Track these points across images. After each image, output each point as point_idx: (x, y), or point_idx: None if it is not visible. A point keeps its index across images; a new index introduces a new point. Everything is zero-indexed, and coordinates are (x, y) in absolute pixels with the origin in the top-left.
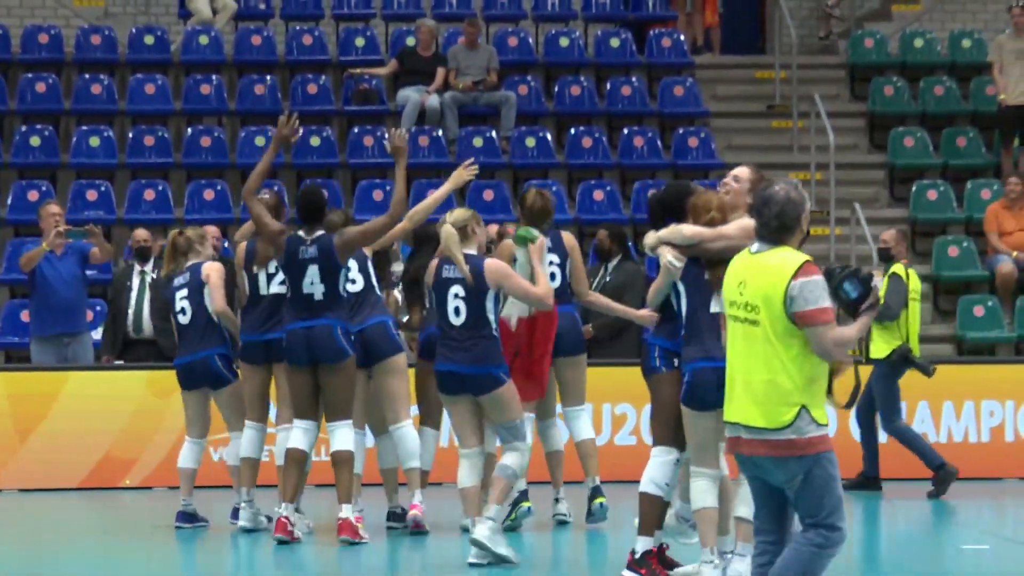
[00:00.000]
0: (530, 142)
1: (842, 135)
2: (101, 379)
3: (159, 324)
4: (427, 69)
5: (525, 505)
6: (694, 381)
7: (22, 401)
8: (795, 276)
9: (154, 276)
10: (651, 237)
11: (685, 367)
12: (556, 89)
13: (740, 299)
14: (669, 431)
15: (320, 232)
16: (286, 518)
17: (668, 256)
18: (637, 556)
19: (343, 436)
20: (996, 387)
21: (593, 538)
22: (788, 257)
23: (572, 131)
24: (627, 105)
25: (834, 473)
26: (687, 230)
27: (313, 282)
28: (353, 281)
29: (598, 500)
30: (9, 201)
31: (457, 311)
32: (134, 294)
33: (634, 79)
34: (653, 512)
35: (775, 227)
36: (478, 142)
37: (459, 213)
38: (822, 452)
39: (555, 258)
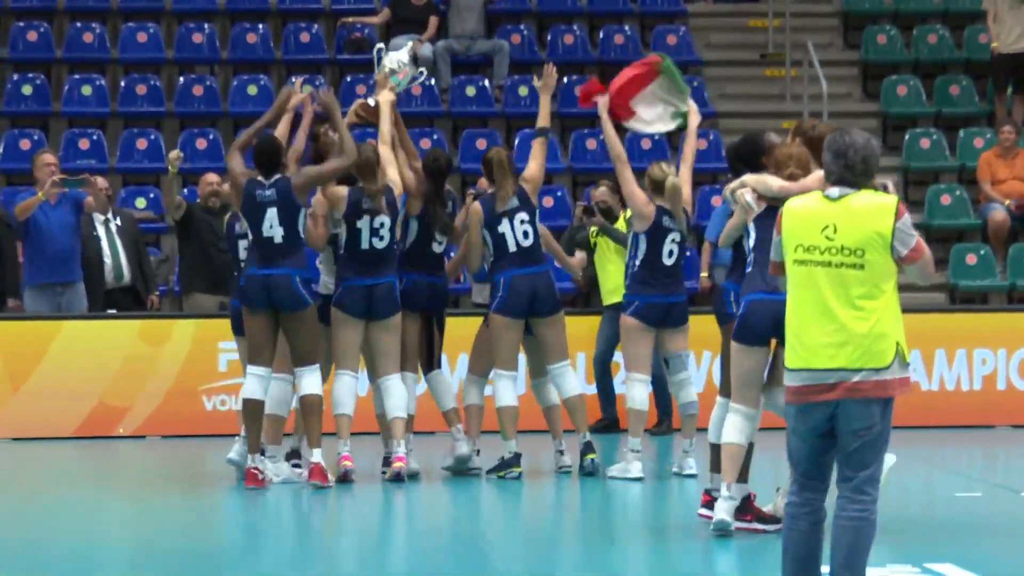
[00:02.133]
0: (523, 91)
1: (835, 84)
2: (93, 328)
3: (136, 269)
4: (420, 17)
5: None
6: (749, 312)
7: (14, 350)
8: (897, 217)
9: (118, 224)
10: (734, 183)
11: (743, 299)
12: (549, 38)
13: (829, 244)
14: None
15: (278, 175)
16: (256, 468)
17: (747, 197)
18: (737, 503)
19: (311, 381)
20: (988, 336)
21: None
22: (883, 199)
23: (565, 80)
24: (620, 53)
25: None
26: (774, 184)
27: (272, 225)
28: (381, 238)
29: (590, 456)
30: (1, 150)
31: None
32: (105, 244)
33: (627, 27)
34: (739, 458)
35: (861, 171)
36: (471, 91)
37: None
38: (897, 395)
39: (525, 215)
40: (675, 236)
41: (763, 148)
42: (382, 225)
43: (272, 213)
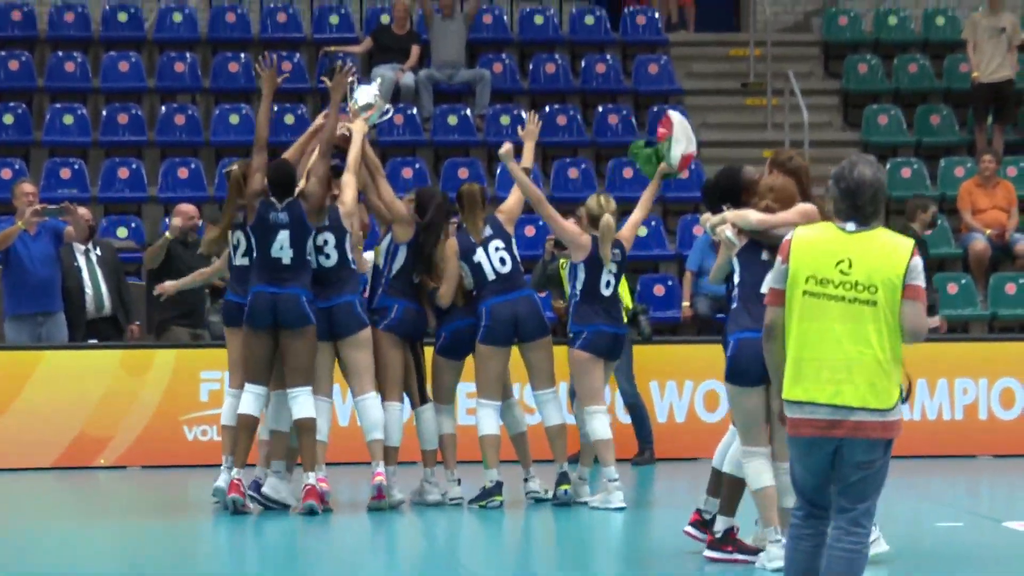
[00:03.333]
0: (505, 120)
1: (816, 113)
2: (74, 358)
3: (117, 299)
4: (402, 47)
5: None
6: (739, 353)
7: None
8: (911, 256)
9: (98, 253)
10: (714, 218)
11: (730, 337)
12: (531, 67)
13: (844, 278)
14: None
15: (290, 199)
16: (238, 480)
17: (727, 233)
18: (719, 535)
19: (305, 403)
20: (969, 365)
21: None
22: (899, 238)
23: (547, 109)
24: (602, 83)
25: None
26: (753, 217)
27: (283, 247)
28: (327, 256)
29: (563, 487)
30: None
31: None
32: (85, 274)
33: (609, 57)
34: (736, 492)
35: (871, 212)
36: (453, 120)
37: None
38: (897, 436)
39: (500, 243)
40: (612, 267)
41: (740, 183)
42: (325, 243)
43: (284, 236)
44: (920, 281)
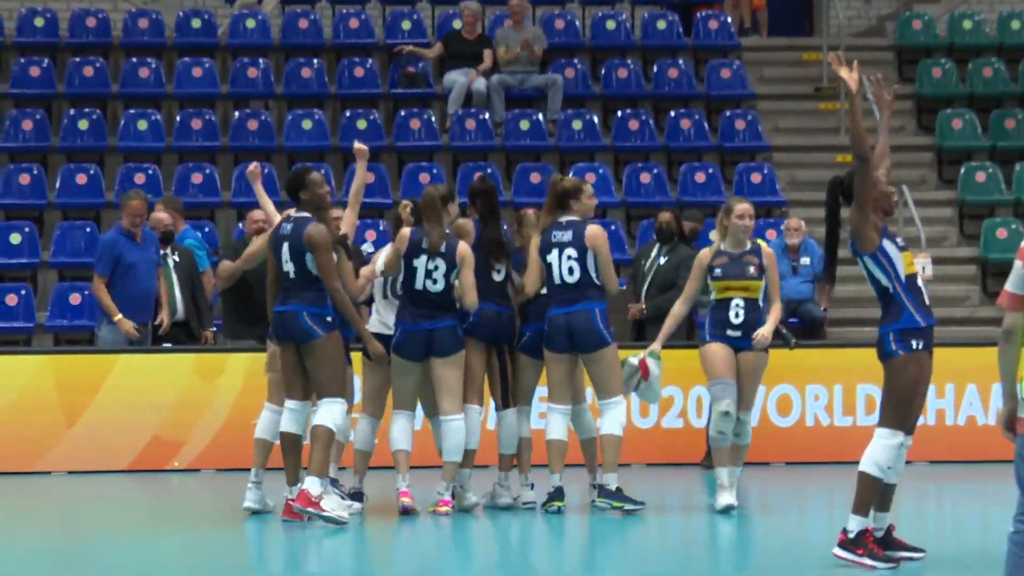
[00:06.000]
0: (577, 125)
1: None
2: (148, 362)
3: (191, 304)
4: (473, 52)
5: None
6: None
7: (70, 384)
8: None
9: (176, 259)
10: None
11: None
12: (603, 72)
13: None
14: (899, 414)
15: (301, 214)
16: (292, 500)
17: None
18: (852, 535)
19: (324, 412)
20: None
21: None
22: None
23: (619, 114)
24: (674, 88)
25: None
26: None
27: (287, 260)
28: (435, 281)
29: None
30: (57, 185)
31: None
32: (162, 278)
33: (681, 62)
34: (871, 493)
35: None
36: (525, 125)
37: None
38: None
39: (573, 252)
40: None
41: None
42: (436, 268)
43: (286, 248)
44: None
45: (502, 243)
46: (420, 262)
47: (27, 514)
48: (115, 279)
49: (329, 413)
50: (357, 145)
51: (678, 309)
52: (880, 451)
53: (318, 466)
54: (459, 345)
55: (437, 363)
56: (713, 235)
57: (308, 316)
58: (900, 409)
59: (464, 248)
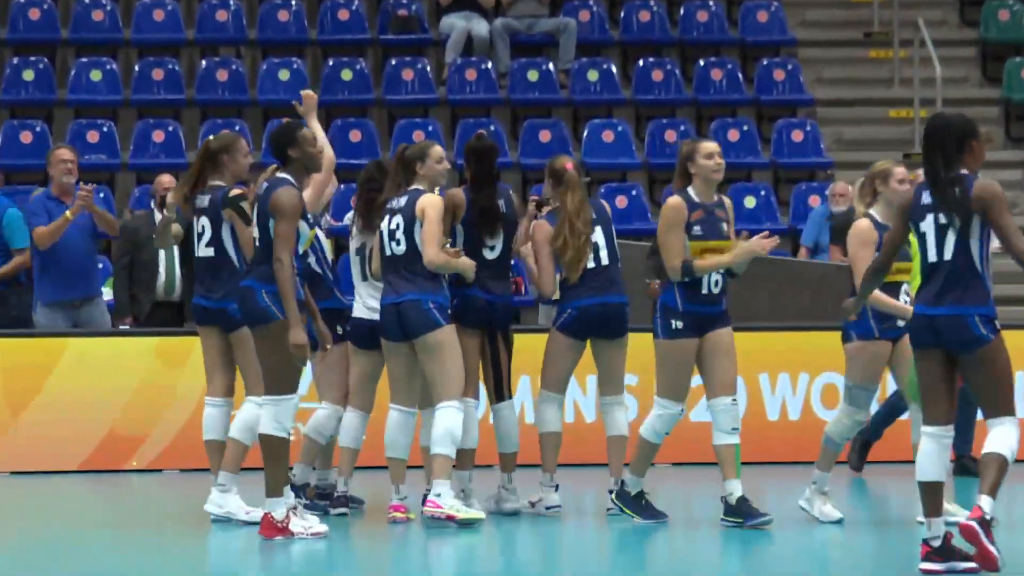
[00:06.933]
0: (592, 76)
1: (950, 66)
2: (104, 346)
3: (189, 285)
4: None
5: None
6: None
7: (14, 372)
8: None
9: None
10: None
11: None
12: (622, 15)
13: None
14: (1011, 397)
15: (282, 175)
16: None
17: None
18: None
19: (266, 417)
20: None
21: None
22: None
23: (640, 63)
24: (703, 33)
25: None
26: None
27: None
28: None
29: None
30: None
31: None
32: (162, 254)
33: (711, 2)
34: (1002, 475)
35: None
36: (533, 76)
37: None
38: None
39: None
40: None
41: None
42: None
43: (256, 212)
44: None
45: (497, 214)
46: (384, 223)
47: None
48: (39, 254)
49: (272, 416)
50: (304, 92)
51: None
52: (1013, 438)
53: (276, 483)
54: (428, 324)
55: (415, 345)
56: None
57: (267, 294)
58: (1011, 393)
59: (427, 199)
